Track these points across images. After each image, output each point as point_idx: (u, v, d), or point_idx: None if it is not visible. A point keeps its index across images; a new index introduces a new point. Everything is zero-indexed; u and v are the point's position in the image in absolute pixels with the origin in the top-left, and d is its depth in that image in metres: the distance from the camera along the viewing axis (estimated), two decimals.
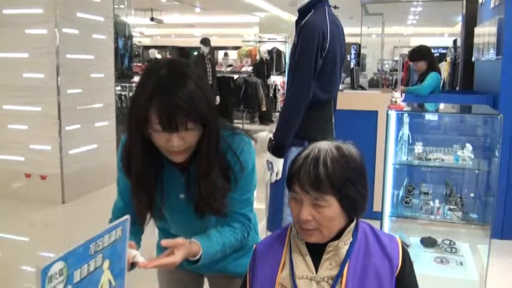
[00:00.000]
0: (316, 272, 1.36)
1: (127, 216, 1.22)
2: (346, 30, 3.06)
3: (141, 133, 1.40)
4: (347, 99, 4.45)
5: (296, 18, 2.86)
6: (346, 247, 1.36)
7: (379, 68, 12.43)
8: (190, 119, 1.35)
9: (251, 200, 1.63)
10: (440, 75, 5.40)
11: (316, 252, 1.38)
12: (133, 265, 1.41)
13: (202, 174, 1.47)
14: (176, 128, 1.35)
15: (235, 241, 1.58)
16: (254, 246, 1.53)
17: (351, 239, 1.38)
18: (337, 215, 1.33)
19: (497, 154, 3.09)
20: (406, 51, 12.70)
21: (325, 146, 1.34)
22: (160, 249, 1.59)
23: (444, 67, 8.04)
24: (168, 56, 13.79)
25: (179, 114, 1.33)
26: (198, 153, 1.46)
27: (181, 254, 1.40)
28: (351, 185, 1.32)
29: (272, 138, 2.70)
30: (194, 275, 1.85)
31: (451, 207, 3.27)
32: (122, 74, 6.94)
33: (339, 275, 1.33)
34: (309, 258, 1.38)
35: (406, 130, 3.41)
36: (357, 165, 1.35)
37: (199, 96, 1.37)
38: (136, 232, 1.63)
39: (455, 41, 8.47)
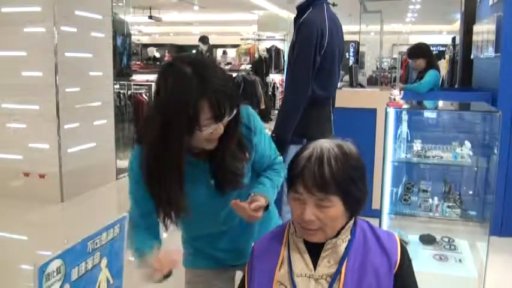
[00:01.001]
0: (315, 269, 1.36)
1: (125, 214, 1.22)
2: (345, 28, 3.06)
3: (183, 138, 1.44)
4: (346, 97, 4.44)
5: (294, 15, 2.86)
6: (345, 245, 1.36)
7: (378, 66, 12.43)
8: (232, 103, 1.45)
9: (273, 144, 1.78)
10: (439, 72, 5.40)
11: (314, 249, 1.37)
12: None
13: (230, 153, 1.56)
14: (224, 116, 1.43)
15: (281, 178, 1.76)
16: (252, 244, 1.54)
17: (349, 237, 1.38)
18: (340, 214, 1.33)
19: (496, 151, 3.09)
20: (404, 49, 12.68)
21: (326, 145, 1.33)
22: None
23: (443, 65, 8.04)
24: (167, 54, 13.78)
25: (226, 102, 1.42)
26: (226, 135, 1.52)
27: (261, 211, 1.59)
28: (353, 184, 1.32)
29: (273, 134, 2.70)
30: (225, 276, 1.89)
31: (450, 204, 3.27)
32: (121, 72, 6.92)
33: (337, 272, 1.33)
34: (307, 256, 1.38)
35: (404, 128, 3.40)
36: (358, 163, 1.35)
37: (229, 82, 1.49)
38: (157, 234, 1.67)
39: (454, 39, 8.47)
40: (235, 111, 1.48)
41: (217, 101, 1.40)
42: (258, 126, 1.67)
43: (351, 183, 1.31)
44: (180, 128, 1.41)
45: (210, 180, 1.59)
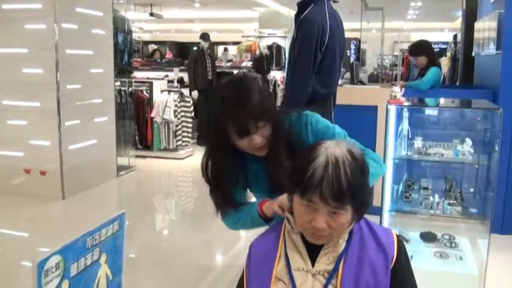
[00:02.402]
0: (313, 265, 1.36)
1: (124, 211, 1.22)
2: (346, 25, 3.05)
3: (225, 145, 1.70)
4: (347, 94, 4.44)
5: (295, 12, 2.85)
6: (344, 242, 1.37)
7: (379, 63, 12.41)
8: (259, 120, 1.64)
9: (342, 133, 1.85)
10: (441, 70, 5.38)
11: (311, 245, 1.38)
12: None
13: (278, 156, 1.73)
14: (249, 132, 1.64)
15: (375, 165, 1.81)
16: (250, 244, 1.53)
17: (347, 235, 1.38)
18: (350, 219, 1.33)
19: (497, 148, 3.08)
20: (406, 46, 12.67)
21: (339, 152, 1.30)
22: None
23: (444, 62, 8.02)
24: (168, 52, 13.78)
25: (249, 120, 1.62)
26: (274, 141, 1.72)
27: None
28: (364, 189, 1.32)
29: None
30: None
31: (451, 202, 3.26)
32: (122, 70, 6.90)
33: (335, 269, 1.34)
34: (305, 252, 1.38)
35: (405, 125, 3.40)
36: (366, 168, 1.35)
37: (261, 100, 1.66)
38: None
39: (455, 36, 8.45)
40: (269, 124, 1.68)
41: (241, 120, 1.62)
42: (320, 129, 1.79)
43: (362, 190, 1.31)
44: (216, 139, 1.71)
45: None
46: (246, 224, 1.81)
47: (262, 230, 1.88)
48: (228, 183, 1.80)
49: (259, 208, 1.74)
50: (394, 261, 1.35)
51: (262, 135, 1.67)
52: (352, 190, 1.27)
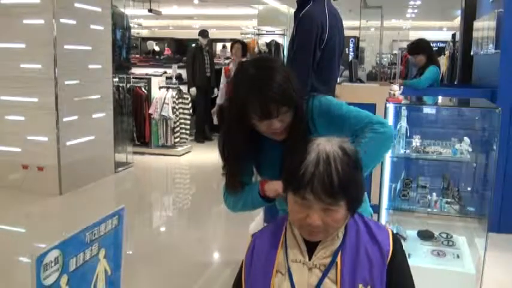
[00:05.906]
0: (310, 258, 1.37)
1: (122, 206, 1.22)
2: (345, 23, 3.05)
3: (243, 125, 1.67)
4: (345, 92, 4.43)
5: (295, 9, 2.85)
6: (341, 236, 1.38)
7: (378, 62, 12.42)
8: (282, 105, 1.60)
9: (361, 113, 1.78)
10: (440, 69, 5.38)
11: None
12: None
13: (296, 143, 1.62)
14: (270, 116, 1.60)
15: (376, 138, 1.69)
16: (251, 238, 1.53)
17: (344, 230, 1.39)
18: (345, 215, 1.33)
19: (495, 147, 3.09)
20: (404, 44, 12.65)
21: (330, 149, 1.30)
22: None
23: (443, 61, 8.03)
24: (167, 49, 13.76)
25: (272, 104, 1.58)
26: (293, 127, 1.68)
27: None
28: (356, 185, 1.32)
29: None
30: None
31: (449, 200, 3.27)
32: (120, 66, 6.89)
33: (332, 263, 1.34)
34: (303, 245, 1.40)
35: (404, 123, 3.40)
36: (359, 163, 1.35)
37: (287, 85, 1.61)
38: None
39: (454, 35, 8.45)
40: (291, 111, 1.63)
41: (264, 102, 1.58)
42: (336, 111, 1.73)
43: (354, 186, 1.32)
44: (236, 118, 1.65)
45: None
46: (246, 204, 1.79)
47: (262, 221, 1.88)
48: (241, 164, 1.78)
49: (260, 187, 1.72)
50: (390, 257, 1.36)
51: (282, 121, 1.64)
52: (344, 185, 1.28)
